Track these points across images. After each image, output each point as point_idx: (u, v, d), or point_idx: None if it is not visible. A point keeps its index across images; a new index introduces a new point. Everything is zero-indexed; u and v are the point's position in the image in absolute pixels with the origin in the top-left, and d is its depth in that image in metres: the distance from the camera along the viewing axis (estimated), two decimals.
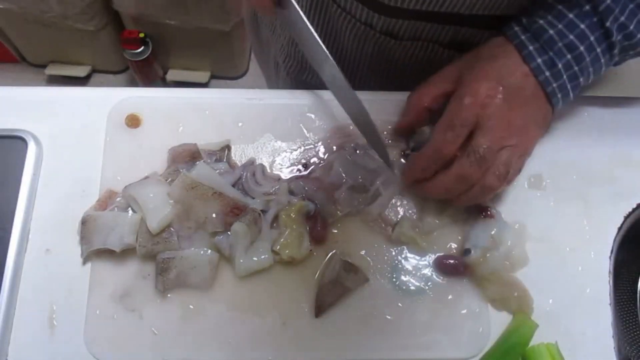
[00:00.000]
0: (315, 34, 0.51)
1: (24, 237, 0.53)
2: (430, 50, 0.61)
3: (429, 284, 0.54)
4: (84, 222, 0.53)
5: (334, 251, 0.54)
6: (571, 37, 0.47)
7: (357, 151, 0.57)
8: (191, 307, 0.52)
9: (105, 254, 0.53)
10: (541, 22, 0.47)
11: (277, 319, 0.52)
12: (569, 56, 0.47)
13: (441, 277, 0.54)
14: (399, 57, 0.63)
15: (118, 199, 0.54)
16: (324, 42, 0.62)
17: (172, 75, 1.75)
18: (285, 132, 0.59)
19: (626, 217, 0.57)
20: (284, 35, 0.70)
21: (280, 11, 0.52)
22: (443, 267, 0.54)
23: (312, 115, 0.60)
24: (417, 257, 0.55)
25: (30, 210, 0.55)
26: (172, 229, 0.52)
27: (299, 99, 0.61)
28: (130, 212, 0.53)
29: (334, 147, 0.58)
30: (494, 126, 0.47)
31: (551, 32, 0.47)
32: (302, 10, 0.62)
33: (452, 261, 0.54)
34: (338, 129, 0.59)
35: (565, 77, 0.48)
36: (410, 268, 0.54)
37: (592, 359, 0.53)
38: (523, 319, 0.52)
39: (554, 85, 0.48)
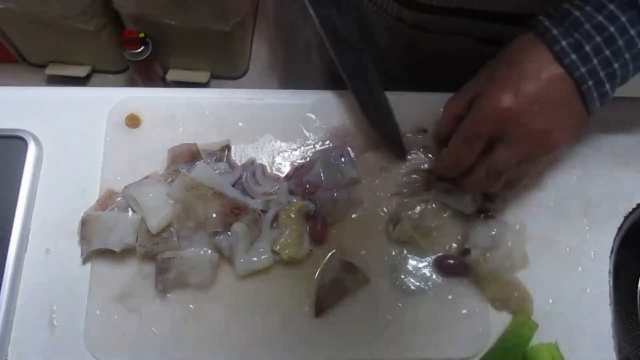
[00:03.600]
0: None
1: (24, 237, 0.53)
2: (461, 43, 0.61)
3: (429, 284, 0.54)
4: (84, 222, 0.53)
5: (334, 251, 0.54)
6: (599, 17, 0.42)
7: (343, 158, 0.57)
8: (191, 307, 0.52)
9: (105, 254, 0.53)
10: (566, 6, 0.44)
11: (277, 319, 0.52)
12: (598, 38, 0.42)
13: (441, 277, 0.54)
14: (430, 49, 0.63)
15: (118, 199, 0.54)
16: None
17: (172, 75, 1.75)
18: (285, 132, 0.59)
19: (626, 217, 0.57)
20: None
21: None
22: (443, 267, 0.54)
23: (312, 115, 0.60)
24: (417, 257, 0.55)
25: (30, 210, 0.54)
26: (172, 229, 0.52)
27: (299, 99, 0.61)
28: (130, 212, 0.53)
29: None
30: (514, 138, 0.45)
31: (576, 13, 0.43)
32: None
33: (452, 261, 0.54)
34: (338, 129, 0.59)
35: (595, 62, 0.42)
36: (410, 268, 0.54)
37: (592, 359, 0.53)
38: (523, 319, 0.52)
39: (583, 70, 0.43)
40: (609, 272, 0.55)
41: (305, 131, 0.59)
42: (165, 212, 0.52)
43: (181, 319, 0.52)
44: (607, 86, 0.44)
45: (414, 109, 0.60)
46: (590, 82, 0.43)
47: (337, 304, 0.52)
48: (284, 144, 0.59)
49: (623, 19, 0.42)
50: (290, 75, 0.91)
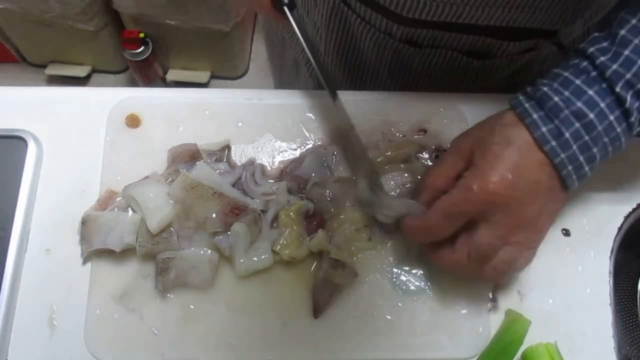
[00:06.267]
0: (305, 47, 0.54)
1: (24, 237, 0.53)
2: (450, 57, 0.61)
3: (429, 284, 0.54)
4: (84, 222, 0.53)
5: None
6: (579, 104, 0.42)
7: (334, 154, 0.57)
8: (191, 307, 0.52)
9: (105, 254, 0.53)
10: (545, 89, 0.44)
11: (277, 319, 0.52)
12: (577, 124, 0.42)
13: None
14: (418, 63, 0.64)
15: (118, 199, 0.54)
16: (343, 48, 0.64)
17: (172, 75, 1.75)
18: (285, 132, 0.59)
19: (626, 217, 0.57)
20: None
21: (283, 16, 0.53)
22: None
23: (312, 115, 0.60)
24: (417, 257, 0.55)
25: (30, 210, 0.54)
26: (172, 229, 0.52)
27: (299, 99, 0.61)
28: (130, 212, 0.53)
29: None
30: (499, 221, 0.44)
31: (556, 99, 0.43)
32: (321, 18, 0.63)
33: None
34: (338, 129, 0.59)
35: (575, 147, 0.42)
36: (410, 268, 0.54)
37: (592, 359, 0.53)
38: (515, 316, 0.52)
39: (563, 156, 0.43)
40: (609, 272, 0.55)
41: (305, 131, 0.59)
42: (165, 212, 0.52)
43: (181, 319, 0.52)
44: (586, 168, 0.44)
45: (414, 109, 0.60)
46: (570, 167, 0.44)
47: (336, 304, 0.52)
48: (284, 144, 0.59)
49: (602, 105, 0.42)
50: (284, 87, 0.92)
